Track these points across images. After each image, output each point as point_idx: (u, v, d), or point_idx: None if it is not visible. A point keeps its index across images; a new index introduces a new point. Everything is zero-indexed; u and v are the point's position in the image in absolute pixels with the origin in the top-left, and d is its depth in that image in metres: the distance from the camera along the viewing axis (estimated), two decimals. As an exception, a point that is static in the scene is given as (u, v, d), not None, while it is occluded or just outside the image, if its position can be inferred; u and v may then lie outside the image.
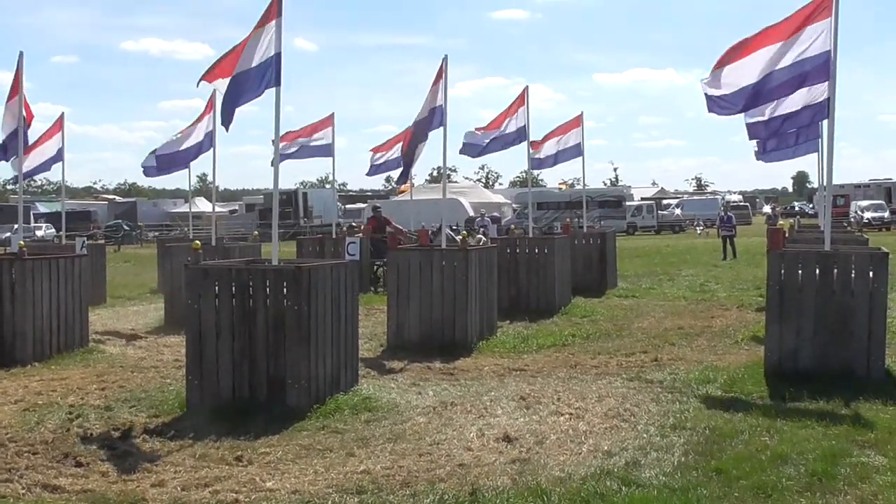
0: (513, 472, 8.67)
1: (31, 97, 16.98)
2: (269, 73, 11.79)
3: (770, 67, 12.79)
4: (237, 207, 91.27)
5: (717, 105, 13.36)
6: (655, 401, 11.58)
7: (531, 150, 23.79)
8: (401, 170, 21.89)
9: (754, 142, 20.32)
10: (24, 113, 17.47)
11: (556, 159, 26.20)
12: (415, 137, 17.18)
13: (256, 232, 35.56)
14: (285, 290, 11.19)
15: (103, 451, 9.74)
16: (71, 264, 16.67)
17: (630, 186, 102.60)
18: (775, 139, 19.71)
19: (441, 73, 16.54)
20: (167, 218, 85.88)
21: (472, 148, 22.30)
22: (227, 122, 12.22)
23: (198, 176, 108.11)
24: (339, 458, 9.32)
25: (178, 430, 10.49)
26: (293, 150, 26.34)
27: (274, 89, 11.85)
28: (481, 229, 40.68)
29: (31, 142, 18.10)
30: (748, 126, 15.83)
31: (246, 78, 11.89)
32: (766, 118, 15.65)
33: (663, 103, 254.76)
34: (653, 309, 21.81)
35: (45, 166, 22.50)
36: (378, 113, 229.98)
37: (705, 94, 13.37)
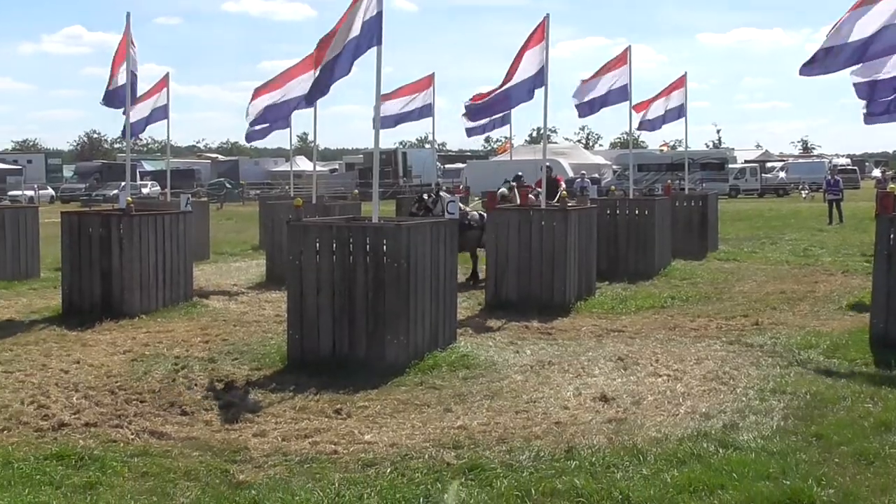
0: (609, 432, 8.68)
1: (137, 58, 17.23)
2: (371, 34, 11.79)
3: (888, 22, 12.35)
4: (337, 167, 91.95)
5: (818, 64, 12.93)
6: (755, 364, 11.46)
7: (635, 112, 23.49)
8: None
9: (863, 102, 19.78)
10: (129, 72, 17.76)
11: (664, 120, 25.88)
12: (511, 99, 17.06)
13: (356, 191, 35.81)
14: (385, 247, 11.30)
15: (207, 402, 10.03)
16: (176, 220, 17.03)
17: (733, 149, 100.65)
18: (886, 101, 19.16)
19: (542, 33, 16.40)
20: (268, 177, 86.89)
21: (583, 107, 22.08)
22: (316, 98, 12.42)
23: (298, 136, 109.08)
24: (436, 413, 9.44)
25: (279, 382, 10.72)
26: (397, 110, 26.45)
27: (375, 49, 11.87)
28: (580, 190, 40.39)
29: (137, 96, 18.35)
30: (856, 87, 15.42)
31: (343, 53, 11.88)
32: (875, 79, 15.24)
33: (769, 64, 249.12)
34: (754, 273, 21.49)
35: (153, 118, 22.88)
36: (477, 74, 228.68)
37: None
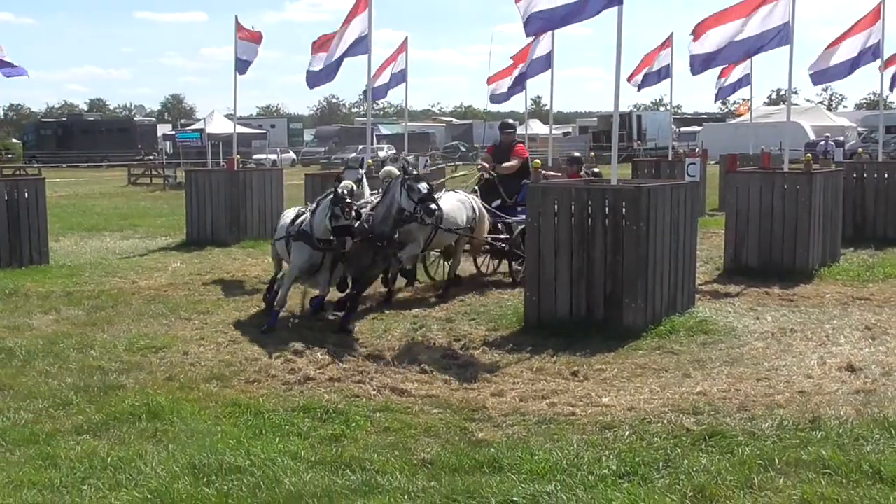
0: (857, 403, 8.36)
1: (375, 23, 17.54)
2: None
3: None
4: (570, 130, 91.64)
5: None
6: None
7: (886, 69, 22.37)
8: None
9: None
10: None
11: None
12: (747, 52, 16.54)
13: (592, 153, 35.62)
14: (624, 210, 11.20)
15: (445, 361, 10.26)
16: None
17: None
18: None
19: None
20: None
21: (818, 76, 21.21)
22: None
23: (532, 99, 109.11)
24: (674, 378, 9.34)
25: (515, 343, 10.83)
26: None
27: (616, 9, 11.67)
28: (824, 153, 38.88)
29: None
30: None
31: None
32: None
33: None
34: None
35: (392, 83, 23.39)
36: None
37: None
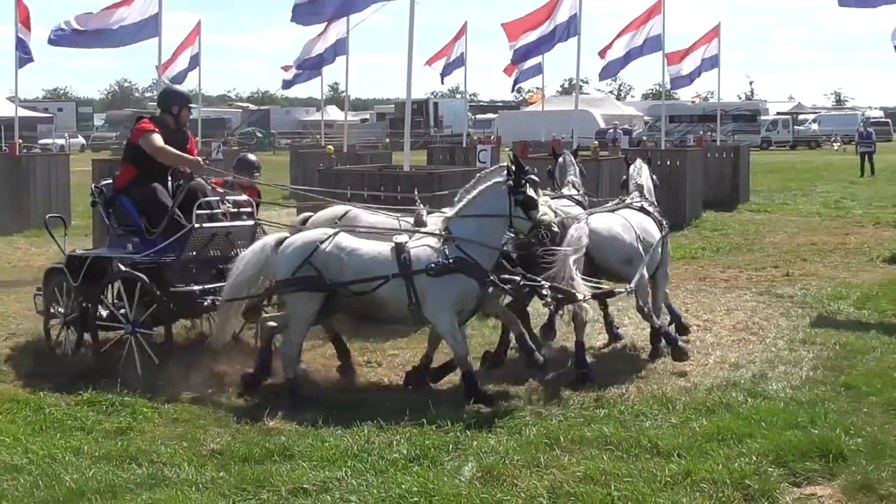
0: (638, 381, 8.72)
1: (167, 4, 17.08)
2: None
3: None
4: (368, 116, 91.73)
5: None
6: (785, 315, 11.45)
7: (668, 63, 23.39)
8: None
9: None
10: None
11: (699, 72, 25.89)
12: (542, 45, 17.06)
13: (388, 140, 35.79)
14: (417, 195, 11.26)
15: (235, 350, 9.88)
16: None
17: (766, 101, 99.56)
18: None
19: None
20: (299, 126, 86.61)
21: (607, 70, 22.08)
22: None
23: (329, 85, 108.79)
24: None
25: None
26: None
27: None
28: (612, 141, 40.23)
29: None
30: None
31: None
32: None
33: (802, 16, 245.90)
34: (785, 224, 21.40)
35: (191, 67, 22.96)
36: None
37: None
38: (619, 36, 21.80)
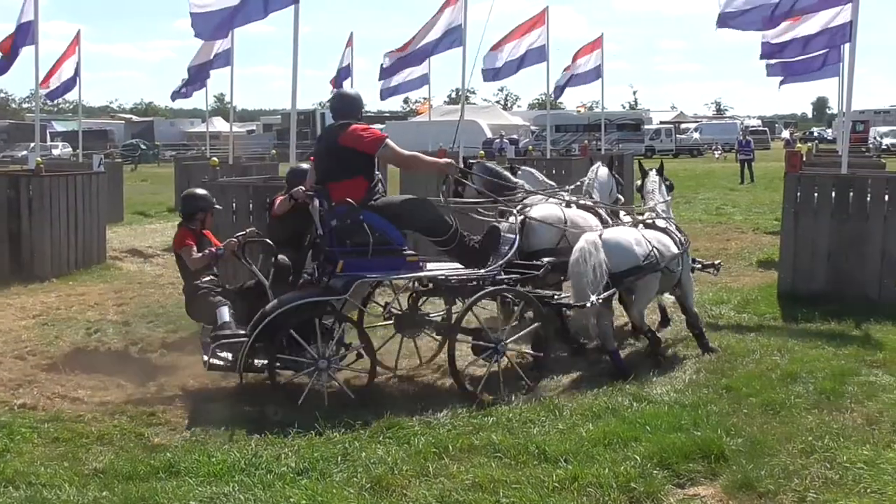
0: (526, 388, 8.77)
1: (46, 14, 16.76)
2: None
3: None
4: (255, 127, 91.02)
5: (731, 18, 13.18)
6: (669, 320, 11.63)
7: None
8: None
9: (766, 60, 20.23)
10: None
11: (573, 81, 26.27)
12: (422, 54, 17.21)
13: (274, 151, 35.50)
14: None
15: (121, 365, 9.89)
16: (88, 181, 16.75)
17: (649, 110, 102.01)
18: (796, 62, 19.52)
19: (459, -8, 16.44)
20: (184, 137, 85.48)
21: (489, 72, 22.21)
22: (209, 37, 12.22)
23: (215, 96, 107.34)
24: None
25: (196, 344, 10.57)
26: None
27: (292, 8, 11.75)
28: (499, 150, 40.52)
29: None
30: (763, 45, 15.75)
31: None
32: (785, 40, 15.53)
33: (684, 27, 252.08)
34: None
35: (67, 86, 22.49)
36: (397, 33, 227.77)
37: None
38: (503, 43, 21.97)
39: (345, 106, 9.05)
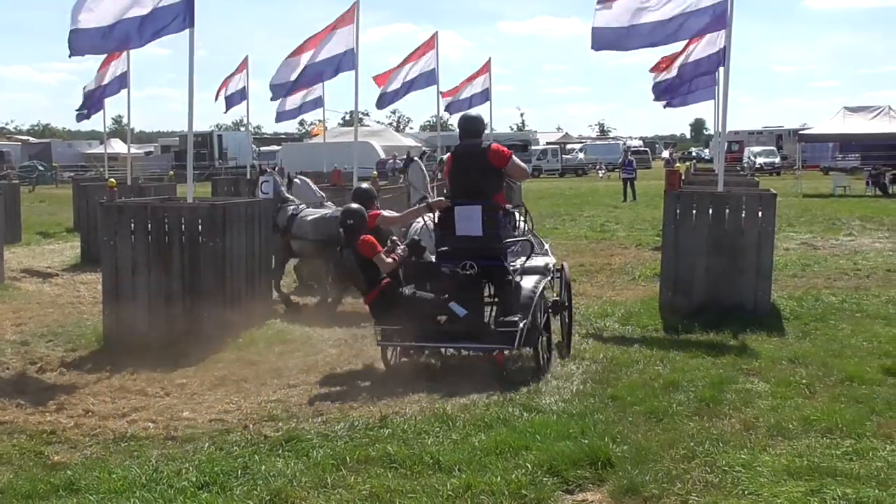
0: (421, 400, 9.02)
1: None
2: (180, 16, 11.76)
3: (673, 12, 12.87)
4: (153, 149, 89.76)
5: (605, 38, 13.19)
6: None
7: (443, 97, 24.18)
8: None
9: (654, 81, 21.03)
10: None
11: (469, 103, 26.77)
12: (318, 77, 17.49)
13: (172, 172, 35.26)
14: (200, 226, 11.40)
15: (20, 385, 9.91)
16: (-17, 203, 16.57)
17: (536, 131, 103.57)
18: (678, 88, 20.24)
19: (351, 16, 16.69)
20: (82, 159, 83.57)
21: (384, 99, 22.60)
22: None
23: (113, 118, 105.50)
24: (253, 387, 9.63)
25: (95, 363, 10.71)
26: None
27: (188, 31, 11.84)
28: (392, 171, 40.84)
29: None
30: (654, 88, 16.43)
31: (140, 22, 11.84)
32: (671, 76, 16.23)
33: (567, 51, 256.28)
34: (555, 247, 21.97)
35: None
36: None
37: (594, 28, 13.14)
38: (396, 68, 22.39)
39: (478, 126, 11.13)
